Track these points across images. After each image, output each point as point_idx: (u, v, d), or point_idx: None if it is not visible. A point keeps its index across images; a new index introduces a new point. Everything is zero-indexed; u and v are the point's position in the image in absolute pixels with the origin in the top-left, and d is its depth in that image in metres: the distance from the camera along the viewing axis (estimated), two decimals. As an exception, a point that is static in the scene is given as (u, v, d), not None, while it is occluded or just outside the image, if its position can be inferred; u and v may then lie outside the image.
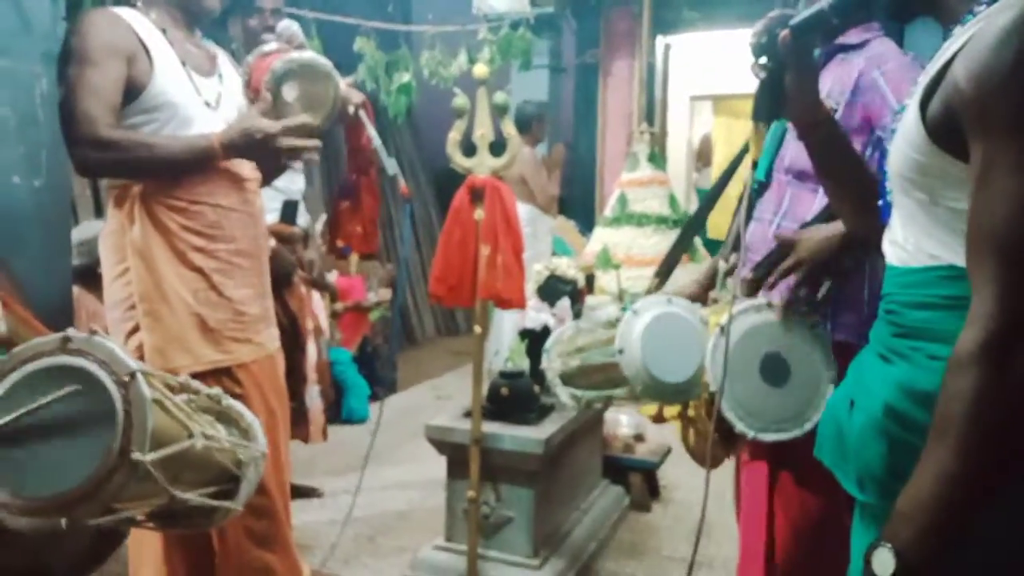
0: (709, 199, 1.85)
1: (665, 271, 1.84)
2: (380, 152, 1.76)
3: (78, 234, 2.60)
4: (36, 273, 2.24)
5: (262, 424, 1.50)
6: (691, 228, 1.98)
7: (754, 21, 1.01)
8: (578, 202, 5.03)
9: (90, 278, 2.59)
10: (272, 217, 2.39)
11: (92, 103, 1.44)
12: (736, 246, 1.51)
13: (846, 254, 1.31)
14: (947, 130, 0.75)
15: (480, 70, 1.97)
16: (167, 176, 1.50)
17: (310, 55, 1.57)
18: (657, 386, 1.56)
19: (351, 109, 1.67)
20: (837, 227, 1.28)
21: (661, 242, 4.06)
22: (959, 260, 0.77)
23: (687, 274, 2.26)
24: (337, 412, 3.91)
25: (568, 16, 4.77)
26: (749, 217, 1.50)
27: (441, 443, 2.23)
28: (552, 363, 1.90)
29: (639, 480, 2.80)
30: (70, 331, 0.83)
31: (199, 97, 1.58)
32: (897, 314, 0.86)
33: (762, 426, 1.33)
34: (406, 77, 3.35)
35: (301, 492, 2.84)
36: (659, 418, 2.90)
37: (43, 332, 1.26)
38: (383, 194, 4.42)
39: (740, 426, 1.33)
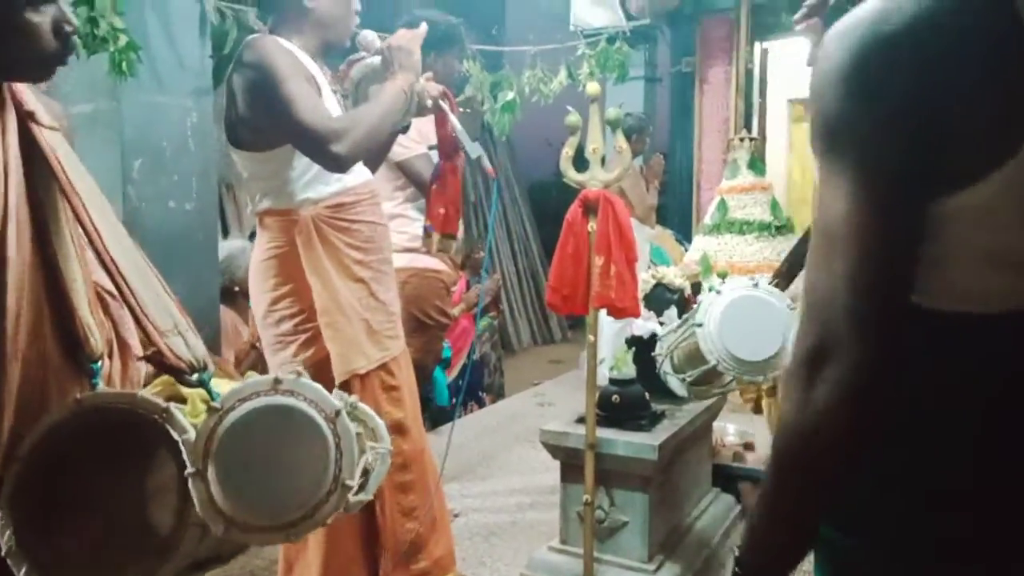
0: None
1: (787, 275, 1.85)
2: (461, 137, 1.89)
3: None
4: (188, 290, 2.48)
5: (410, 407, 1.72)
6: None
7: None
8: (675, 211, 5.03)
9: (226, 296, 2.84)
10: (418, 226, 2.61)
11: (311, 106, 1.53)
12: None
13: None
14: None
15: (593, 88, 2.05)
16: (390, 131, 1.70)
17: (380, 60, 1.73)
18: (732, 360, 1.64)
19: (429, 102, 1.81)
20: None
21: (764, 248, 4.01)
22: None
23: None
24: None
25: (663, 26, 4.80)
26: None
27: (555, 447, 2.30)
28: (663, 359, 1.99)
29: (749, 488, 2.78)
30: (279, 374, 0.96)
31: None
32: None
33: None
34: (510, 95, 3.48)
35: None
36: (757, 407, 2.90)
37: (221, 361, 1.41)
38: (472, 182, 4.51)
39: None
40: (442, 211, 2.37)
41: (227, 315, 2.85)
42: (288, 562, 1.82)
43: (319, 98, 1.59)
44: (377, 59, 1.74)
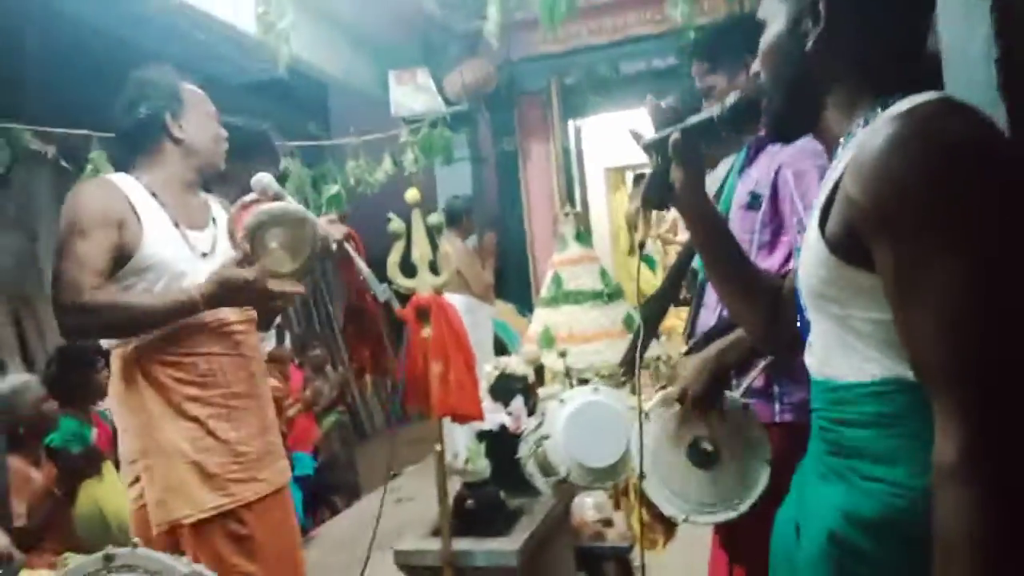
0: (670, 282, 1.88)
1: (630, 362, 1.86)
2: (370, 281, 1.82)
3: None
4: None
5: (270, 559, 1.61)
6: (654, 316, 1.94)
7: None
8: (513, 285, 5.12)
9: (11, 440, 2.47)
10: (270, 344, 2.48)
11: (78, 271, 1.52)
12: (691, 334, 1.59)
13: (739, 357, 1.36)
14: (848, 244, 0.77)
15: (412, 195, 2.03)
16: (150, 331, 1.58)
17: (281, 206, 1.64)
18: (581, 469, 1.67)
19: (333, 246, 1.73)
20: (711, 349, 1.35)
21: (599, 316, 4.16)
22: (884, 372, 0.78)
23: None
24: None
25: (482, 108, 4.97)
26: (699, 304, 1.58)
27: (411, 568, 2.17)
28: (527, 458, 1.98)
29: (613, 568, 2.78)
30: (110, 548, 0.86)
31: (192, 252, 1.66)
32: (829, 431, 0.86)
33: (691, 508, 1.33)
34: (334, 189, 3.40)
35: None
36: (617, 504, 2.93)
37: None
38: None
39: (668, 508, 1.33)
40: (367, 353, 2.28)
41: (13, 461, 2.48)
42: None
43: (97, 260, 1.54)
44: (276, 204, 1.63)
